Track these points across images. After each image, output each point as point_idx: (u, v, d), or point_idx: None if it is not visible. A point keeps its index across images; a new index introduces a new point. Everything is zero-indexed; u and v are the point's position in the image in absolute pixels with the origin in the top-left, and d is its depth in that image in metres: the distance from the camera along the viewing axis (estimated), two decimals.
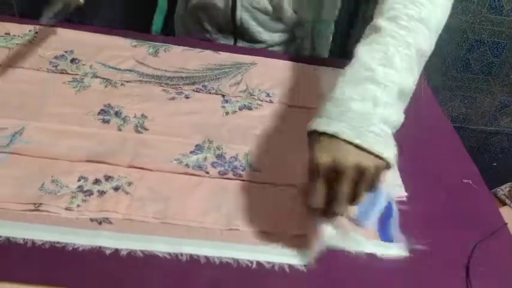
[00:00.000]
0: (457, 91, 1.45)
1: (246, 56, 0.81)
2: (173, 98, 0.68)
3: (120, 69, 0.71)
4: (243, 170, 0.57)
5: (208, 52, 0.80)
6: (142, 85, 0.69)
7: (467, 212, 0.59)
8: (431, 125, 0.75)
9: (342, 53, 0.97)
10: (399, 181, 0.60)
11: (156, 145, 0.59)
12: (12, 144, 0.55)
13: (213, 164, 0.58)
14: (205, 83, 0.72)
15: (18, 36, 0.74)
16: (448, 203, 0.60)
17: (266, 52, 0.86)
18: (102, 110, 0.63)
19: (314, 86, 0.76)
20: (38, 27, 0.76)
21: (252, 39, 0.89)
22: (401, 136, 0.50)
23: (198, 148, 0.60)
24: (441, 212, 0.58)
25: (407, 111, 0.52)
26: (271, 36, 0.89)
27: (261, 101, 0.71)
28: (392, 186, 0.59)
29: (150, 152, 0.58)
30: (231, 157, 0.59)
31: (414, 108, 0.54)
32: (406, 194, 0.58)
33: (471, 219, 0.58)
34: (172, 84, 0.71)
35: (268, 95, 0.72)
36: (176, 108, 0.66)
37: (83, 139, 0.58)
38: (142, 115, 0.64)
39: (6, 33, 0.74)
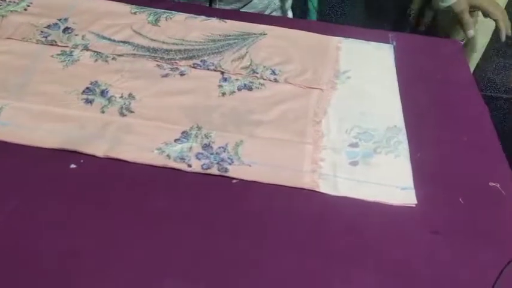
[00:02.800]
0: None
1: (256, 24, 0.73)
2: (166, 75, 0.62)
3: (114, 41, 0.66)
4: (230, 164, 0.52)
5: (213, 20, 0.72)
6: (135, 59, 0.64)
7: (495, 223, 0.51)
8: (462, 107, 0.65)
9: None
10: (410, 181, 0.53)
11: (140, 131, 0.54)
12: None
13: (197, 156, 0.53)
14: (205, 58, 0.66)
15: (13, 2, 0.70)
16: (469, 211, 0.52)
17: (281, 19, 0.77)
18: (87, 88, 0.59)
19: (333, 63, 0.67)
20: None
21: None
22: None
23: (185, 136, 0.54)
24: (461, 222, 0.50)
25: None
26: None
27: (264, 79, 0.63)
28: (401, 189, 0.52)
29: (132, 139, 0.53)
30: (219, 147, 0.54)
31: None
32: (415, 201, 0.51)
33: (498, 232, 0.50)
34: (168, 59, 0.64)
35: (273, 72, 0.64)
36: (168, 88, 0.60)
37: (62, 122, 0.54)
38: (130, 95, 0.59)
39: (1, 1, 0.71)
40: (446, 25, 0.97)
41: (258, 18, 0.76)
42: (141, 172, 0.51)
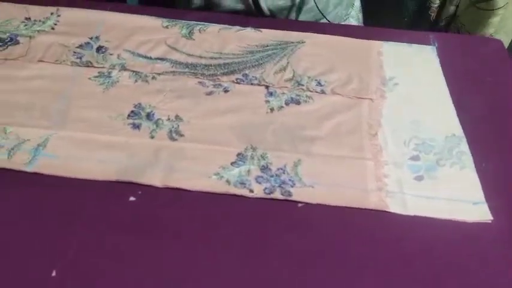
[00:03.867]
0: None
1: (292, 32, 0.70)
2: (211, 93, 0.60)
3: (150, 58, 0.63)
4: (292, 186, 0.50)
5: (248, 30, 0.69)
6: (176, 77, 0.61)
7: None
8: None
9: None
10: (481, 195, 0.51)
11: (193, 155, 0.52)
12: (35, 159, 0.50)
13: (257, 179, 0.51)
14: (246, 71, 0.63)
15: (40, 21, 0.67)
16: None
17: (314, 25, 0.75)
18: (132, 111, 0.56)
19: (377, 70, 0.64)
20: (60, 9, 0.69)
21: None
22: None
23: (241, 158, 0.52)
24: None
25: None
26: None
27: (311, 91, 0.61)
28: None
29: (187, 165, 0.51)
30: (278, 169, 0.51)
31: None
32: (491, 217, 0.49)
33: None
34: (209, 75, 0.62)
35: (319, 83, 0.62)
36: (214, 106, 0.58)
37: (112, 151, 0.52)
38: (177, 117, 0.56)
39: (26, 18, 0.67)
40: (468, 21, 0.95)
41: (292, 24, 0.73)
42: (200, 199, 0.49)
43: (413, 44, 0.70)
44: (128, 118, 0.55)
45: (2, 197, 0.47)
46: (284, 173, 0.51)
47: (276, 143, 0.54)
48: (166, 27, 0.69)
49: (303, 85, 0.62)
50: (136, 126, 0.55)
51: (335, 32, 0.71)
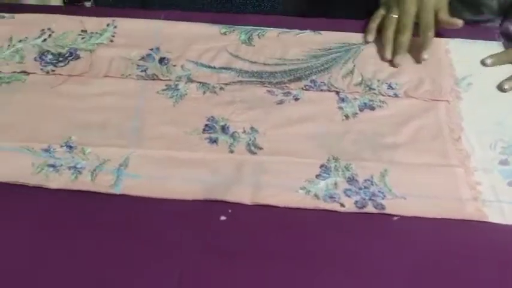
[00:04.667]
0: None
1: (352, 33, 0.68)
2: (281, 102, 0.58)
3: (214, 68, 0.62)
4: (383, 198, 0.49)
5: (308, 33, 0.67)
6: (244, 87, 0.60)
7: None
8: None
9: None
10: None
11: (275, 169, 0.50)
12: (119, 180, 0.49)
13: (345, 192, 0.49)
14: (313, 77, 0.61)
15: (96, 33, 0.66)
16: None
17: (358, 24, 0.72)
18: (206, 125, 0.55)
19: (448, 69, 0.62)
20: (115, 20, 0.68)
21: None
22: None
23: (324, 170, 0.51)
24: None
25: None
26: None
27: (383, 95, 0.59)
28: None
29: (271, 180, 0.49)
30: (365, 180, 0.50)
31: None
32: None
33: None
34: (276, 83, 0.60)
35: (390, 86, 0.60)
36: (287, 116, 0.56)
37: (193, 168, 0.50)
38: (252, 128, 0.55)
39: (83, 31, 0.66)
40: None
41: (350, 24, 0.71)
42: (289, 215, 0.47)
43: (478, 40, 0.68)
44: (203, 132, 0.54)
45: (87, 220, 0.46)
46: (372, 184, 0.49)
47: (357, 153, 0.52)
48: (224, 33, 0.67)
49: (374, 89, 0.60)
50: (213, 141, 0.53)
51: None
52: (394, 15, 0.64)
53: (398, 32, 0.63)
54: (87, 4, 1.03)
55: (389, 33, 0.63)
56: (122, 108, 0.56)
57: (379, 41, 0.65)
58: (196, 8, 1.05)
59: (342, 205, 0.47)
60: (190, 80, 0.60)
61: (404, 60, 0.63)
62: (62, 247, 0.44)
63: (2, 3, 0.90)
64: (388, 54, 0.62)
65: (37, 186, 0.47)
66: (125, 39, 0.65)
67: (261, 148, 0.53)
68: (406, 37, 0.62)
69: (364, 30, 0.67)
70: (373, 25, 0.66)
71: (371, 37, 0.65)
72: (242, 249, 0.44)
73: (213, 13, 0.71)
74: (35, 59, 0.61)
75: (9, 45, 0.62)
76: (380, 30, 0.66)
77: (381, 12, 0.66)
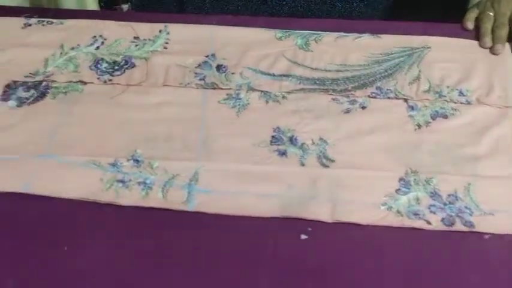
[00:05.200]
0: None
1: (413, 36, 0.65)
2: (348, 111, 0.56)
3: (274, 75, 0.59)
4: (471, 215, 0.46)
5: (366, 37, 0.65)
6: (307, 95, 0.57)
7: None
8: None
9: None
10: None
11: (352, 184, 0.48)
12: (192, 196, 0.47)
13: (430, 208, 0.47)
14: (378, 84, 0.59)
15: (149, 40, 0.64)
16: None
17: (435, 27, 0.69)
18: (273, 137, 0.53)
19: None
20: (167, 25, 0.66)
21: None
22: None
23: (404, 184, 0.48)
24: None
25: None
26: None
27: (455, 103, 0.57)
28: None
29: (349, 195, 0.47)
30: (449, 195, 0.47)
31: None
32: None
33: None
34: (341, 90, 0.58)
35: (461, 93, 0.57)
36: (356, 126, 0.54)
37: (266, 182, 0.48)
38: (321, 139, 0.52)
39: (135, 38, 0.64)
40: None
41: (413, 26, 0.68)
42: (371, 232, 0.45)
43: None
44: (271, 144, 0.52)
45: (160, 238, 0.44)
46: (457, 199, 0.47)
47: (436, 165, 0.50)
48: (280, 38, 0.65)
49: (444, 96, 0.57)
50: (282, 153, 0.51)
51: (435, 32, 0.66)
52: (491, 13, 0.65)
53: (495, 27, 0.63)
54: (124, 7, 1.01)
55: (488, 26, 0.64)
56: (185, 119, 0.54)
57: (442, 43, 0.63)
58: (232, 10, 1.03)
59: (428, 223, 0.45)
60: (251, 88, 0.58)
61: (470, 64, 0.61)
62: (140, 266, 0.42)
63: (42, 7, 0.90)
64: (488, 42, 0.62)
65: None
66: (179, 46, 0.63)
67: (333, 161, 0.50)
68: (504, 32, 0.63)
69: (423, 32, 0.65)
70: (473, 14, 0.66)
71: (471, 25, 0.65)
72: (329, 269, 0.42)
73: (266, 17, 0.69)
74: (90, 68, 0.59)
75: (61, 53, 0.61)
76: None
77: (475, 10, 0.67)
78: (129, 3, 0.99)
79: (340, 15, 1.04)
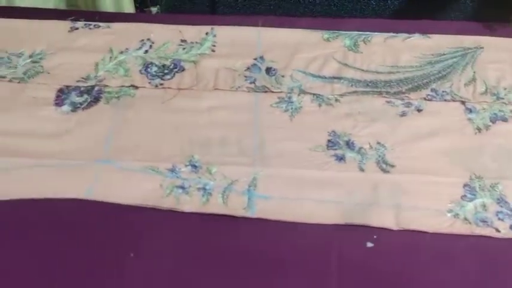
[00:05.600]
0: None
1: (464, 36, 0.63)
2: (403, 114, 0.54)
3: (325, 78, 0.58)
4: None
5: (416, 37, 0.63)
6: (360, 98, 0.56)
7: None
8: None
9: None
10: None
11: (414, 189, 0.47)
12: (252, 202, 0.46)
13: (497, 215, 0.45)
14: (433, 85, 0.57)
15: (197, 43, 0.63)
16: None
17: (487, 28, 0.67)
18: (329, 141, 0.52)
19: None
20: (214, 28, 0.65)
21: None
22: None
23: (469, 190, 0.47)
24: None
25: None
26: None
27: None
28: None
29: (412, 201, 0.46)
30: None
31: None
32: None
33: None
34: (394, 93, 0.56)
35: None
36: (414, 129, 0.52)
37: (326, 188, 0.47)
38: (379, 143, 0.51)
39: (182, 41, 0.63)
40: None
41: (464, 26, 0.66)
42: (437, 239, 0.44)
43: None
44: (328, 149, 0.51)
45: (218, 243, 0.44)
46: None
47: (501, 170, 0.48)
48: (328, 39, 0.64)
49: (502, 98, 0.55)
50: (340, 158, 0.50)
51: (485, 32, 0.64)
52: None
53: None
54: (153, 10, 1.01)
55: None
56: (238, 123, 0.53)
57: (494, 44, 0.61)
58: (264, 10, 1.02)
59: (497, 230, 0.44)
60: (302, 91, 0.57)
61: None
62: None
63: (80, 10, 0.90)
64: None
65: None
66: (226, 49, 0.62)
67: (392, 166, 0.49)
68: None
69: (474, 32, 0.63)
70: None
71: None
72: (399, 277, 0.41)
73: (312, 18, 0.68)
74: (140, 72, 0.59)
75: (111, 57, 0.60)
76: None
77: None
78: (157, 6, 0.99)
79: (374, 13, 1.03)
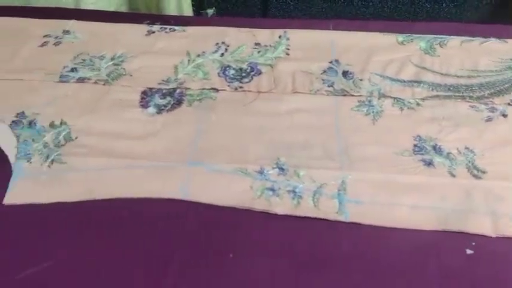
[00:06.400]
0: None
1: None
2: (489, 119, 0.54)
3: (404, 81, 0.58)
4: None
5: (492, 41, 0.62)
6: (443, 102, 0.55)
7: None
8: None
9: None
10: None
11: (509, 196, 0.46)
12: (343, 206, 0.46)
13: None
14: None
15: (271, 46, 0.64)
16: None
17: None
18: (415, 146, 0.51)
19: None
20: (287, 31, 0.66)
21: None
22: None
23: None
24: None
25: None
26: None
27: None
28: None
29: (509, 209, 0.45)
30: None
31: None
32: None
33: None
34: (477, 97, 0.56)
35: None
36: (501, 134, 0.51)
37: (419, 194, 0.47)
38: (467, 149, 0.51)
39: (256, 44, 0.64)
40: None
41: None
42: None
43: None
44: (414, 154, 0.51)
45: (313, 246, 0.44)
46: None
47: None
48: (402, 43, 0.63)
49: None
50: (428, 163, 0.50)
51: None
52: None
53: None
54: (209, 12, 1.03)
55: None
56: (319, 126, 0.53)
57: None
58: (316, 12, 1.02)
59: None
60: (382, 95, 0.56)
61: None
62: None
63: (143, 13, 0.92)
64: None
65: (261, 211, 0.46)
66: (301, 52, 0.62)
67: (484, 172, 0.48)
68: None
69: None
70: None
71: None
72: (501, 285, 0.40)
73: (383, 21, 0.68)
74: (219, 75, 0.60)
75: (189, 60, 0.62)
76: None
77: None
78: (213, 8, 1.00)
79: (428, 16, 1.01)
